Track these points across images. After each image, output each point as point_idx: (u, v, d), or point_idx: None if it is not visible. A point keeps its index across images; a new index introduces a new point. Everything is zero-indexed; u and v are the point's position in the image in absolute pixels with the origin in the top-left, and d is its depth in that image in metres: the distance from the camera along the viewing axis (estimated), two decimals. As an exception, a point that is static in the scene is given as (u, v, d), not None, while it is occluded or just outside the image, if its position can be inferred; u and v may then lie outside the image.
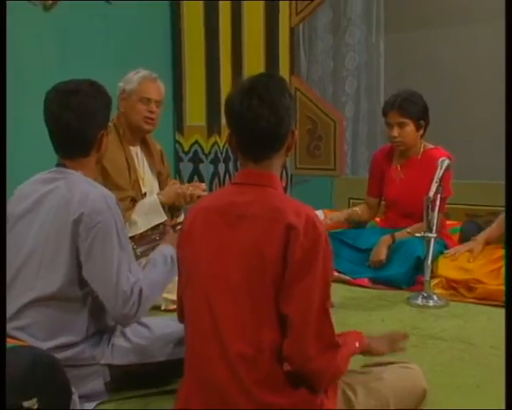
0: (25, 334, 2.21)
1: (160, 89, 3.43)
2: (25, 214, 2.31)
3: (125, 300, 2.22)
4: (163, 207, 3.33)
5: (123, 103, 3.36)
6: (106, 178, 3.17)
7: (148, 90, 3.37)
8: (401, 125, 3.94)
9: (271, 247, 1.86)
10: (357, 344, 2.03)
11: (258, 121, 1.92)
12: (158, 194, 3.39)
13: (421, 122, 3.96)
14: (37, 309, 2.23)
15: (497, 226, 3.85)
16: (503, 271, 3.58)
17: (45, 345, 2.18)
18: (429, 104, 3.99)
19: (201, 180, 5.35)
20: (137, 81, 3.35)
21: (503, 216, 3.87)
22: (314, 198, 4.57)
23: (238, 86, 2.00)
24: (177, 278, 2.14)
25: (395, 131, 3.95)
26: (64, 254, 2.22)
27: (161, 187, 3.51)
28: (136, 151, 3.44)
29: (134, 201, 3.30)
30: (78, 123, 2.28)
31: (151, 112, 3.36)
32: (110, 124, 2.48)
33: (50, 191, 2.28)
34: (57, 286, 2.22)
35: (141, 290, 2.26)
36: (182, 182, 5.30)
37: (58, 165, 2.36)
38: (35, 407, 1.96)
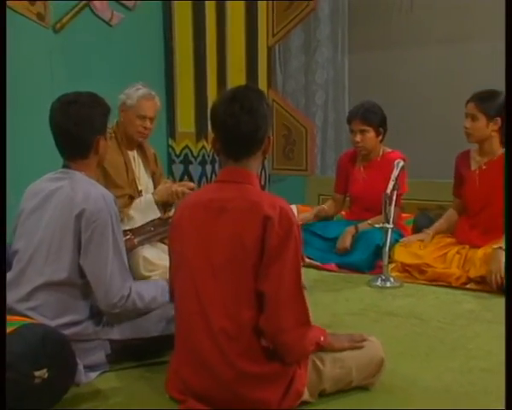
0: (36, 313, 2.19)
1: (155, 106, 3.38)
2: (35, 209, 2.29)
3: (112, 293, 2.21)
4: (157, 204, 3.31)
5: (122, 115, 3.32)
6: (107, 179, 3.14)
7: (145, 108, 3.32)
8: (363, 132, 3.94)
9: (251, 235, 1.87)
10: (322, 338, 2.02)
11: (239, 127, 1.92)
12: (152, 193, 3.36)
13: (381, 130, 3.97)
14: (46, 292, 2.21)
15: (444, 221, 3.86)
16: (448, 256, 3.60)
17: (54, 323, 2.17)
18: (387, 114, 4.00)
19: (191, 180, 5.34)
20: (137, 99, 3.29)
21: (449, 212, 3.89)
22: (289, 194, 4.52)
23: (222, 96, 2.00)
24: (168, 264, 2.14)
25: (358, 137, 3.96)
26: (68, 245, 2.21)
27: (155, 185, 3.49)
28: (133, 155, 3.41)
29: (131, 198, 3.27)
30: (76, 129, 2.26)
31: (145, 128, 3.33)
32: (110, 130, 2.45)
33: (57, 189, 2.27)
34: (63, 273, 2.21)
35: (129, 292, 2.25)
36: (174, 181, 5.29)
37: (63, 166, 2.34)
38: (45, 376, 1.95)
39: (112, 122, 2.55)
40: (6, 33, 2.37)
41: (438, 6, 5.21)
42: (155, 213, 3.29)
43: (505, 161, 2.28)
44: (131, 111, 3.28)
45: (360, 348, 2.12)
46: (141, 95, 3.31)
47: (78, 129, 2.26)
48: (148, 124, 3.32)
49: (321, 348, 2.02)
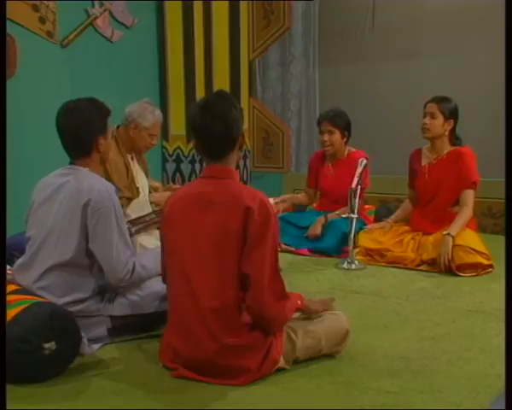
0: (46, 292, 2.17)
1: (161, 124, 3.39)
2: (46, 201, 2.27)
3: (119, 269, 2.21)
4: (151, 203, 3.32)
5: (134, 132, 3.24)
6: (108, 181, 3.08)
7: (157, 129, 3.32)
8: (330, 133, 3.94)
9: (234, 224, 1.87)
10: (299, 302, 2.05)
11: (213, 132, 1.91)
12: (149, 195, 3.34)
13: (345, 133, 3.97)
14: (55, 273, 2.19)
15: (401, 211, 3.88)
16: (405, 242, 3.62)
17: (61, 301, 2.15)
18: (352, 119, 4.00)
19: (182, 176, 5.34)
20: (152, 122, 3.25)
21: (405, 203, 3.90)
22: (268, 189, 4.49)
23: (196, 105, 1.99)
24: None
25: (325, 137, 3.96)
26: (76, 231, 2.19)
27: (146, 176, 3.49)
28: (130, 156, 3.38)
29: (129, 199, 3.24)
30: (77, 130, 2.24)
31: (152, 143, 3.33)
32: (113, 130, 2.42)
33: (65, 183, 2.25)
34: (70, 256, 2.19)
35: (134, 266, 2.24)
36: (167, 178, 5.29)
37: (70, 163, 2.32)
38: (53, 348, 1.95)
39: (112, 125, 2.51)
40: (6, 32, 2.33)
41: (395, 27, 5.24)
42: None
43: (505, 161, 2.23)
44: (145, 131, 3.26)
45: (332, 309, 2.17)
46: (156, 120, 3.28)
47: (79, 130, 2.24)
48: (155, 140, 3.33)
49: (300, 310, 2.06)
